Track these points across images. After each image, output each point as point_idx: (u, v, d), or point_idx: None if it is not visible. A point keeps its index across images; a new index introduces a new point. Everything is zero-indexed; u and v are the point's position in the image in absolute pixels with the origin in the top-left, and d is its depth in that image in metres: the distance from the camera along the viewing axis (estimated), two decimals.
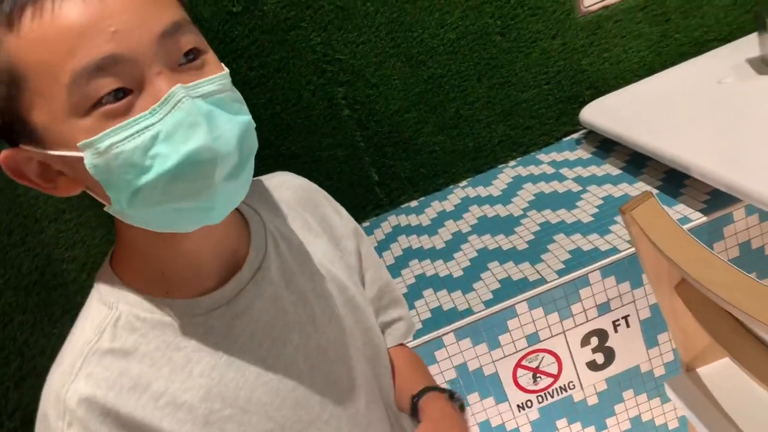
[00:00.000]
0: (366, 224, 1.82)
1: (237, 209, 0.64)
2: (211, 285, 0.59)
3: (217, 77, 0.51)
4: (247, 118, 0.53)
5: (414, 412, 0.71)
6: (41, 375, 1.14)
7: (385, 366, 0.74)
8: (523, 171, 1.74)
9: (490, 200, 1.65)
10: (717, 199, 1.24)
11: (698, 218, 1.21)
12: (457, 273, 1.38)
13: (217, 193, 0.50)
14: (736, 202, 1.20)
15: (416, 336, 1.22)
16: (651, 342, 1.29)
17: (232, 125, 0.50)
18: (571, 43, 1.71)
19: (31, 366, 1.13)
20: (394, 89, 1.69)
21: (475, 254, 1.42)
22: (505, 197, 1.63)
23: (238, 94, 0.53)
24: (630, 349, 1.29)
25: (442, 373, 1.24)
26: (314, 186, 0.76)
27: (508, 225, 1.49)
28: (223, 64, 0.54)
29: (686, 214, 1.24)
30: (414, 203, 1.82)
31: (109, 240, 1.61)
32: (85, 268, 1.43)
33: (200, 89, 0.49)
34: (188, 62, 0.50)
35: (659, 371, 1.32)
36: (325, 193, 0.77)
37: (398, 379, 0.78)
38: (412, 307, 1.31)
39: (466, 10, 1.63)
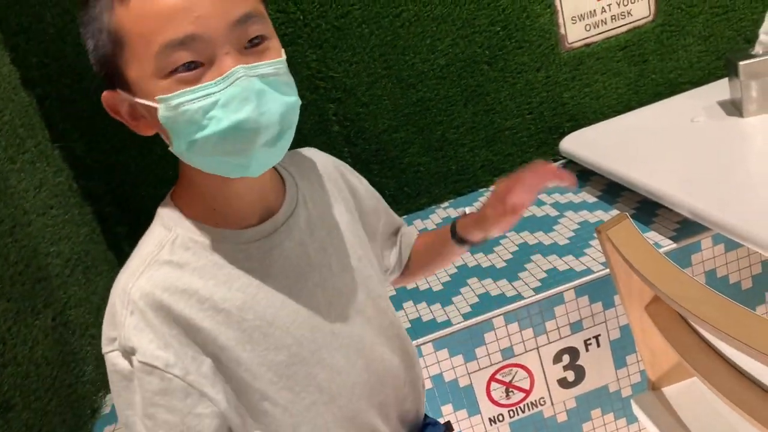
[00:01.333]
0: None
1: (276, 170, 0.77)
2: (253, 223, 0.70)
3: (273, 62, 0.62)
4: (293, 98, 0.64)
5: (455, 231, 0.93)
6: (21, 364, 1.14)
7: (391, 322, 0.83)
8: None
9: None
10: (686, 229, 1.31)
11: (668, 245, 1.28)
12: (437, 287, 1.42)
13: (253, 155, 0.62)
14: (704, 231, 1.27)
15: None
16: (620, 362, 1.34)
17: (278, 104, 0.61)
18: (554, 76, 1.80)
19: (12, 355, 1.13)
20: (383, 109, 1.74)
21: (455, 270, 1.46)
22: None
23: (290, 78, 0.64)
24: (600, 369, 1.34)
25: None
26: (338, 161, 0.89)
27: (487, 244, 1.54)
28: (282, 51, 0.65)
29: (657, 240, 1.30)
30: None
31: (92, 239, 1.62)
32: (69, 264, 1.44)
33: (258, 70, 0.60)
34: (253, 46, 0.61)
35: (626, 392, 1.37)
36: (347, 167, 0.90)
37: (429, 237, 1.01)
38: None
39: (456, 39, 1.71)
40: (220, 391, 0.65)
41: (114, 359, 0.63)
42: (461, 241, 0.94)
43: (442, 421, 0.92)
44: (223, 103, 0.58)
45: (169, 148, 0.64)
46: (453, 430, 0.92)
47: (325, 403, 0.72)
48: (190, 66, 0.59)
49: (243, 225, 0.69)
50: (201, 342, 0.65)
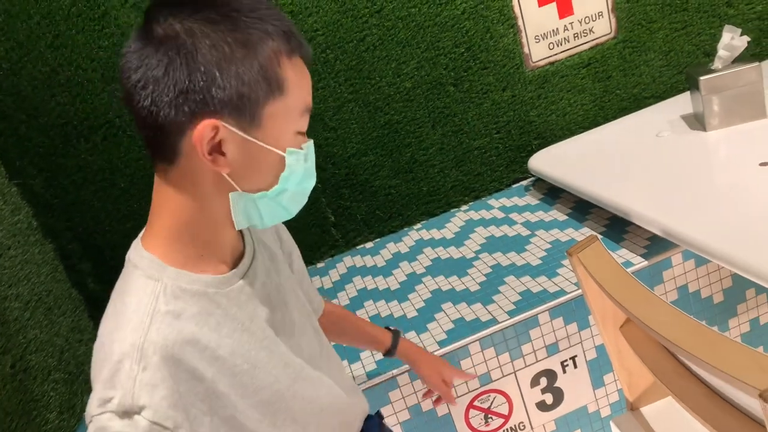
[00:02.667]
0: (321, 264, 1.83)
1: None
2: (226, 269, 0.73)
3: None
4: None
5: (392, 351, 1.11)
6: None
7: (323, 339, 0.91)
8: (474, 215, 1.79)
9: (444, 242, 1.69)
10: (657, 245, 1.31)
11: (640, 262, 1.28)
12: (412, 313, 1.40)
13: (301, 206, 0.74)
14: (674, 247, 1.28)
15: (370, 376, 1.22)
16: (597, 382, 1.33)
17: None
18: (520, 95, 1.80)
19: None
20: (351, 133, 1.73)
21: (429, 295, 1.45)
22: (458, 240, 1.67)
23: None
24: (577, 390, 1.32)
25: (396, 414, 1.24)
26: None
27: (461, 267, 1.52)
28: None
29: (628, 258, 1.30)
30: (369, 244, 1.84)
31: (54, 277, 1.57)
32: (29, 306, 1.38)
33: None
34: None
35: (605, 411, 1.36)
36: None
37: (349, 321, 1.12)
38: (366, 351, 1.32)
39: (421, 61, 1.71)
40: None
41: (105, 422, 0.59)
42: (389, 354, 1.13)
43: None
44: (312, 159, 0.71)
45: (233, 190, 0.68)
46: (383, 416, 1.00)
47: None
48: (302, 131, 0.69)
49: (220, 271, 0.71)
50: (206, 392, 0.65)
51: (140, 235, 0.71)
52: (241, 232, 0.78)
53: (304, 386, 0.77)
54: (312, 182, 0.73)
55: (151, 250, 0.68)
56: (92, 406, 0.61)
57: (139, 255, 0.68)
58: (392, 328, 1.15)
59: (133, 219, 1.67)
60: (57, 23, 1.50)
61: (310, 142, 0.71)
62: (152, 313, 0.64)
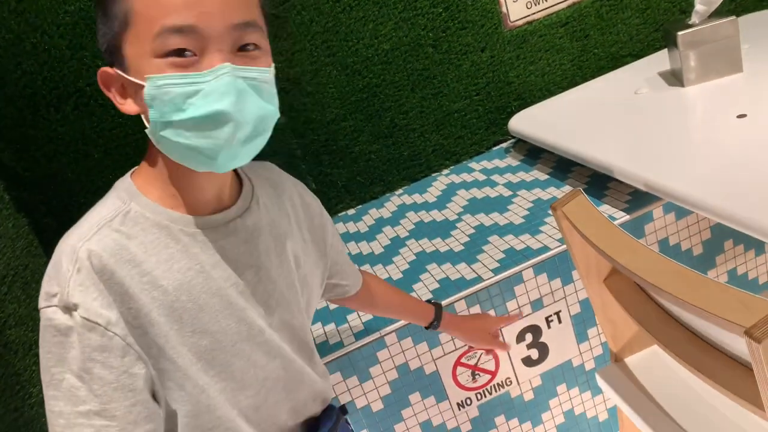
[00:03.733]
0: None
1: (238, 173, 0.81)
2: (205, 213, 0.74)
3: (260, 69, 0.67)
4: (272, 108, 0.69)
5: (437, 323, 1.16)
6: None
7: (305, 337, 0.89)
8: (456, 178, 1.79)
9: (426, 206, 1.68)
10: (638, 200, 1.33)
11: (622, 217, 1.29)
12: (397, 276, 1.40)
13: (222, 149, 0.66)
14: (655, 201, 1.29)
15: (358, 337, 1.22)
16: (581, 336, 1.35)
17: (257, 106, 0.66)
18: (498, 56, 1.79)
19: None
20: (329, 98, 1.70)
21: (414, 257, 1.45)
22: (440, 203, 1.67)
23: (274, 90, 0.70)
24: (562, 344, 1.34)
25: (384, 374, 1.25)
26: (295, 180, 0.93)
27: (444, 229, 1.52)
28: (272, 65, 0.70)
29: (610, 213, 1.31)
30: (351, 211, 1.83)
31: (30, 252, 1.53)
32: (5, 281, 1.35)
33: (243, 72, 0.65)
34: (245, 51, 0.67)
35: (590, 365, 1.38)
36: (304, 187, 0.94)
37: (391, 295, 1.14)
38: (351, 311, 1.32)
39: (399, 22, 1.68)
40: (147, 360, 0.69)
41: (51, 314, 0.64)
42: (432, 327, 1.18)
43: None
44: (205, 93, 0.63)
45: (146, 130, 0.68)
46: (347, 412, 0.97)
47: (234, 390, 0.76)
48: (183, 53, 0.63)
49: (195, 213, 0.73)
50: (135, 312, 0.67)
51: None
52: (241, 187, 0.79)
53: (254, 349, 0.77)
54: (206, 110, 0.63)
55: (135, 179, 0.72)
56: (40, 298, 0.66)
57: (122, 180, 0.73)
58: (434, 301, 1.19)
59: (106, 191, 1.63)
60: None
61: (192, 75, 0.63)
62: (102, 225, 0.67)
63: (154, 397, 0.70)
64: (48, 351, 0.65)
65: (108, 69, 0.69)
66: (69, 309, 0.64)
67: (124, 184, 0.72)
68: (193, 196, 0.73)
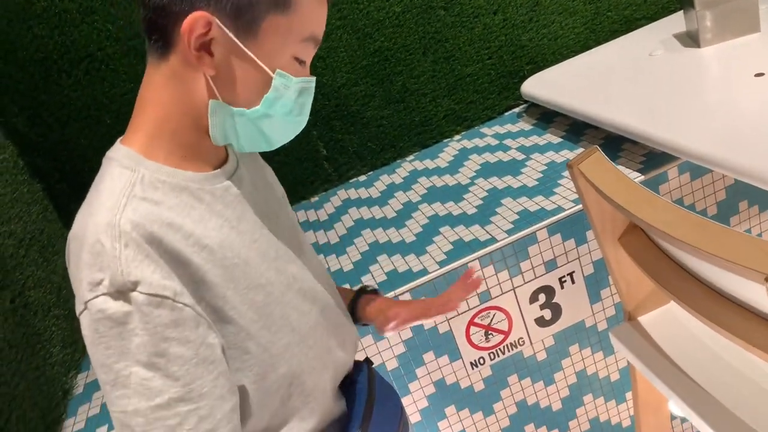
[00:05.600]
0: (315, 198, 1.82)
1: None
2: (210, 170, 0.71)
3: None
4: None
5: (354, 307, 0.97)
6: None
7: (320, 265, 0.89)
8: (468, 144, 1.78)
9: (438, 171, 1.68)
10: (652, 161, 1.32)
11: (637, 177, 1.28)
12: (410, 239, 1.40)
13: (284, 141, 0.72)
14: (670, 161, 1.28)
15: None
16: (594, 297, 1.36)
17: None
18: (511, 18, 1.77)
19: None
20: (341, 62, 1.69)
21: (427, 221, 1.45)
22: (453, 168, 1.67)
23: None
24: (575, 305, 1.35)
25: (399, 333, 1.26)
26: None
27: (456, 193, 1.52)
28: None
29: (625, 174, 1.30)
30: (363, 177, 1.83)
31: (45, 217, 1.54)
32: (23, 244, 1.37)
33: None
34: None
35: (602, 325, 1.39)
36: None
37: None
38: (366, 272, 1.33)
39: None
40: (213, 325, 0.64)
41: (101, 305, 0.57)
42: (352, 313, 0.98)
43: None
44: (307, 97, 0.70)
45: (214, 98, 0.65)
46: (372, 363, 0.94)
47: (298, 343, 0.73)
48: (302, 62, 0.68)
49: (203, 170, 0.70)
50: (191, 278, 0.62)
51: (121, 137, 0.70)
52: (226, 149, 0.76)
53: (298, 297, 0.75)
54: (302, 120, 0.71)
55: (130, 145, 0.66)
56: (83, 291, 0.58)
57: (116, 149, 0.66)
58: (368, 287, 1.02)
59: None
60: None
61: (312, 79, 0.69)
62: (129, 195, 0.61)
63: None
64: (106, 347, 0.58)
65: (215, 21, 0.61)
66: (123, 292, 0.57)
67: (121, 153, 0.65)
68: (203, 156, 0.70)
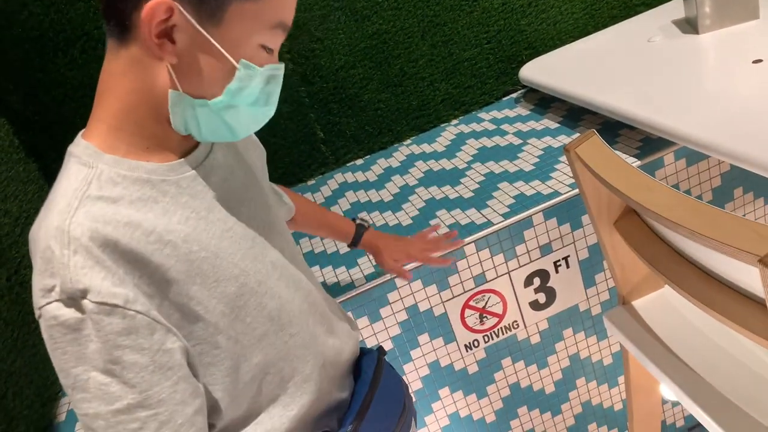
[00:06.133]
0: (312, 182, 1.82)
1: None
2: (175, 159, 0.68)
3: None
4: None
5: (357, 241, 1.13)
6: None
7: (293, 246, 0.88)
8: (465, 128, 1.78)
9: (435, 155, 1.68)
10: (649, 146, 1.32)
11: (633, 162, 1.29)
12: (406, 222, 1.41)
13: (250, 132, 0.69)
14: (666, 147, 1.29)
15: (369, 279, 1.24)
16: (589, 282, 1.37)
17: None
18: (510, 3, 1.76)
19: None
20: (339, 44, 1.68)
21: (423, 204, 1.45)
22: (450, 152, 1.67)
23: None
24: (570, 289, 1.36)
25: (395, 315, 1.27)
26: None
27: (453, 177, 1.53)
28: None
29: (622, 158, 1.31)
30: (360, 161, 1.83)
31: (41, 196, 1.54)
32: (19, 222, 1.36)
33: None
34: None
35: (596, 310, 1.40)
36: None
37: (314, 212, 1.13)
38: (363, 254, 1.33)
39: None
40: (175, 329, 0.62)
41: (54, 311, 0.56)
42: (353, 245, 1.15)
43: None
44: (275, 86, 0.66)
45: (173, 90, 0.62)
46: (385, 353, 0.94)
47: (276, 332, 0.72)
48: (269, 49, 0.64)
49: (168, 160, 0.67)
50: (149, 278, 0.61)
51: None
52: None
53: (278, 285, 0.73)
54: (269, 111, 0.68)
55: (89, 139, 0.64)
56: (36, 297, 0.58)
57: (74, 145, 0.64)
58: (358, 220, 1.16)
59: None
60: None
61: (280, 66, 0.66)
62: (81, 197, 0.59)
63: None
64: (63, 352, 0.57)
65: (178, 6, 0.58)
66: (75, 299, 0.56)
67: (80, 148, 0.63)
68: (168, 145, 0.67)
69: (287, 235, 0.83)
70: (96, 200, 0.60)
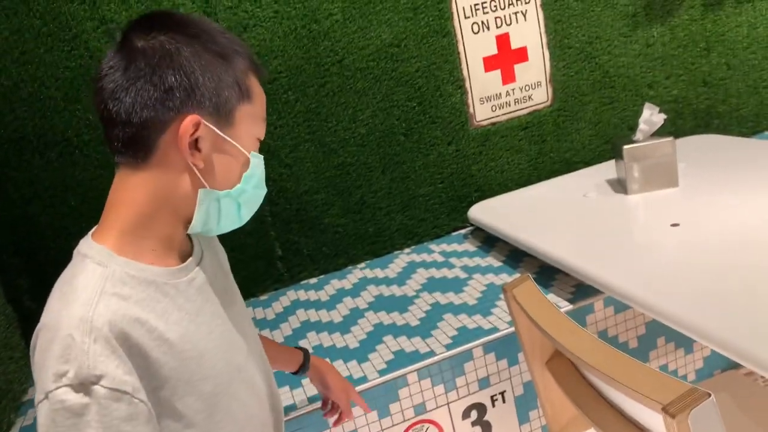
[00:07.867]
0: (264, 297, 1.86)
1: None
2: (175, 264, 0.76)
3: None
4: None
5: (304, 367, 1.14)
6: None
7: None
8: (416, 257, 1.89)
9: (387, 281, 1.77)
10: (581, 292, 1.44)
11: (566, 306, 1.40)
12: (354, 344, 1.46)
13: (253, 213, 0.81)
14: (596, 294, 1.41)
15: (311, 401, 1.26)
16: (523, 418, 1.42)
17: None
18: (463, 150, 1.95)
19: None
20: (305, 171, 1.81)
21: (371, 328, 1.51)
22: (400, 279, 1.76)
23: None
24: (505, 424, 1.41)
25: None
26: None
27: (402, 304, 1.60)
28: None
29: (556, 302, 1.42)
30: (314, 280, 1.90)
31: None
32: None
33: None
34: None
35: None
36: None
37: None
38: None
39: (376, 111, 1.83)
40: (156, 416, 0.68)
41: (62, 395, 0.61)
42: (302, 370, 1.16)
43: None
44: (263, 169, 0.80)
45: (202, 187, 0.73)
46: None
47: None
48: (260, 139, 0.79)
49: (169, 264, 0.75)
50: (150, 373, 0.67)
51: (90, 232, 0.74)
52: (191, 237, 0.83)
53: (242, 387, 0.81)
54: (263, 192, 0.81)
55: (102, 242, 0.71)
56: (46, 382, 0.62)
57: (88, 246, 0.71)
58: (301, 347, 1.18)
59: (80, 238, 1.66)
60: (26, 41, 1.53)
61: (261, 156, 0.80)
62: (100, 292, 0.66)
63: None
64: None
65: (203, 120, 0.70)
66: (85, 385, 0.61)
67: (94, 249, 0.70)
68: (171, 248, 0.76)
69: (256, 339, 0.91)
70: (111, 296, 0.67)
